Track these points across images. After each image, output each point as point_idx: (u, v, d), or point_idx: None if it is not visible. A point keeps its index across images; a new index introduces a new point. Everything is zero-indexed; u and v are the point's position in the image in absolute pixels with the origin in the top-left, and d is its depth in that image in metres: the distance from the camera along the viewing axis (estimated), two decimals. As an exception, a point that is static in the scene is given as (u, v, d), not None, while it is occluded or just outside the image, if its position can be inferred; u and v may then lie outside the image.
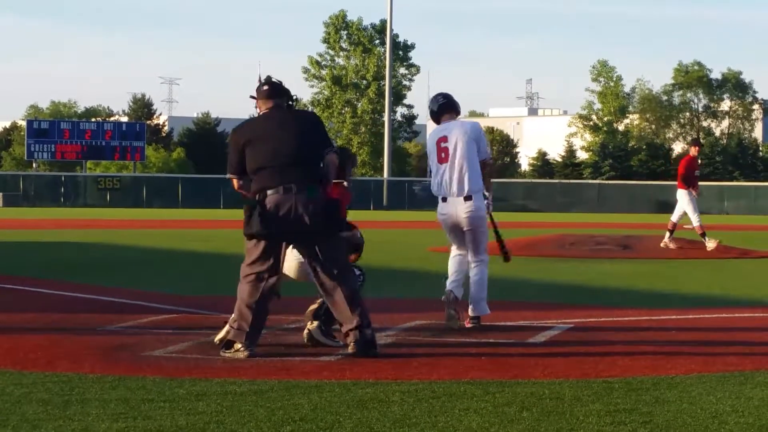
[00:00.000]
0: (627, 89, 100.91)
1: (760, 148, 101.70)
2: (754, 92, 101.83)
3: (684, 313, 12.11)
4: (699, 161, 23.76)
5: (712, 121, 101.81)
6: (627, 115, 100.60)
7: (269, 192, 8.76)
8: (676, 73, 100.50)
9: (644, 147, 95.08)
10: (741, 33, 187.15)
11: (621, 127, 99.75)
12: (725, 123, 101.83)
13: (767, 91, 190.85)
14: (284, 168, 8.81)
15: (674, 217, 23.35)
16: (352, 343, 8.61)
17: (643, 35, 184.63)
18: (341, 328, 8.77)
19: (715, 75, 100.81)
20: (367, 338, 8.62)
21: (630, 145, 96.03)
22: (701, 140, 27.30)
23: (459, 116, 10.78)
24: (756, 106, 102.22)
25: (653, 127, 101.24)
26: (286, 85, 9.21)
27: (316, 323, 9.10)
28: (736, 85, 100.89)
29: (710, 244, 22.64)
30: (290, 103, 9.19)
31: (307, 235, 8.74)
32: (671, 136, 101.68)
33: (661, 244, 22.83)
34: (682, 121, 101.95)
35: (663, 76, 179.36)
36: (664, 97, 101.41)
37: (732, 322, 11.47)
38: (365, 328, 8.64)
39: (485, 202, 10.57)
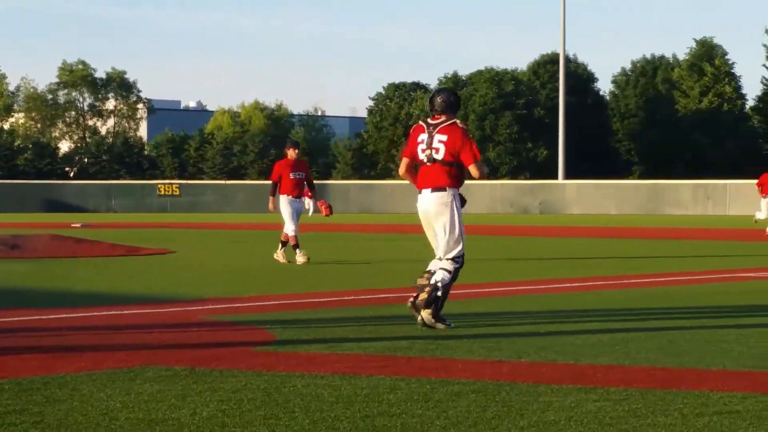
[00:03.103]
0: (12, 88, 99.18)
1: (146, 147, 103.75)
2: (138, 91, 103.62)
3: (74, 312, 12.07)
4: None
5: (98, 119, 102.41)
6: (12, 114, 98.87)
7: None
8: (61, 72, 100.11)
9: (30, 146, 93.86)
10: (125, 33, 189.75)
11: (6, 126, 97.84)
12: (111, 122, 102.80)
13: (151, 90, 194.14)
14: None
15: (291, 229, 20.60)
16: None
17: (26, 32, 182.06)
18: None
19: (100, 74, 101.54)
20: None
21: (16, 144, 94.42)
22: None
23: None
24: (140, 105, 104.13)
25: (39, 125, 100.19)
26: None
27: (429, 311, 10.33)
28: (120, 85, 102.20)
29: (300, 258, 20.19)
30: None
31: None
32: (57, 135, 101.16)
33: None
34: (68, 119, 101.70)
35: (48, 74, 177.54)
36: (50, 96, 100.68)
37: (121, 319, 11.57)
38: None
39: None
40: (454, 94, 11.10)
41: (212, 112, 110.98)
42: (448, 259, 10.65)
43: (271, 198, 20.99)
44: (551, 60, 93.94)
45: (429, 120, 10.97)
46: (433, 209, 10.72)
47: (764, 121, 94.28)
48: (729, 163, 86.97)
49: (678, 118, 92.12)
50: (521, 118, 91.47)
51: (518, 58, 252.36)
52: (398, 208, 74.59)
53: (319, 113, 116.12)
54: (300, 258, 20.20)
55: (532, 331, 10.17)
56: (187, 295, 14.22)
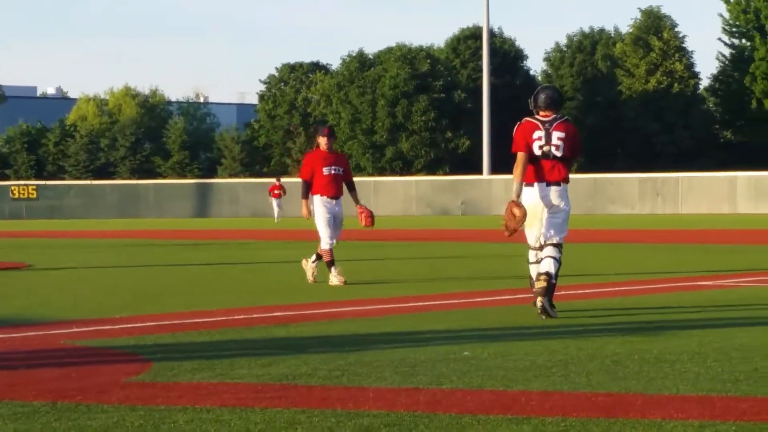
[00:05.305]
0: None
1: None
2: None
3: None
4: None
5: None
6: None
7: None
8: None
9: None
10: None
11: None
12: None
13: (1, 75, 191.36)
14: None
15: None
16: None
17: None
18: None
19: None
20: None
21: None
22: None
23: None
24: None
25: None
26: None
27: (545, 298, 12.80)
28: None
29: (334, 280, 18.44)
30: None
31: None
32: None
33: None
34: None
35: None
36: None
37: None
38: None
39: None
40: (558, 91, 13.67)
41: (75, 99, 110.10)
42: (554, 246, 13.24)
43: (304, 201, 19.07)
44: (473, 35, 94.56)
45: (538, 117, 13.24)
46: (554, 201, 13.34)
47: (721, 103, 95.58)
48: (681, 154, 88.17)
49: (621, 101, 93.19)
50: (439, 103, 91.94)
51: (434, 33, 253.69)
52: (296, 211, 74.51)
53: (201, 100, 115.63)
54: (334, 279, 18.41)
55: (453, 352, 10.22)
56: (47, 316, 14.09)
